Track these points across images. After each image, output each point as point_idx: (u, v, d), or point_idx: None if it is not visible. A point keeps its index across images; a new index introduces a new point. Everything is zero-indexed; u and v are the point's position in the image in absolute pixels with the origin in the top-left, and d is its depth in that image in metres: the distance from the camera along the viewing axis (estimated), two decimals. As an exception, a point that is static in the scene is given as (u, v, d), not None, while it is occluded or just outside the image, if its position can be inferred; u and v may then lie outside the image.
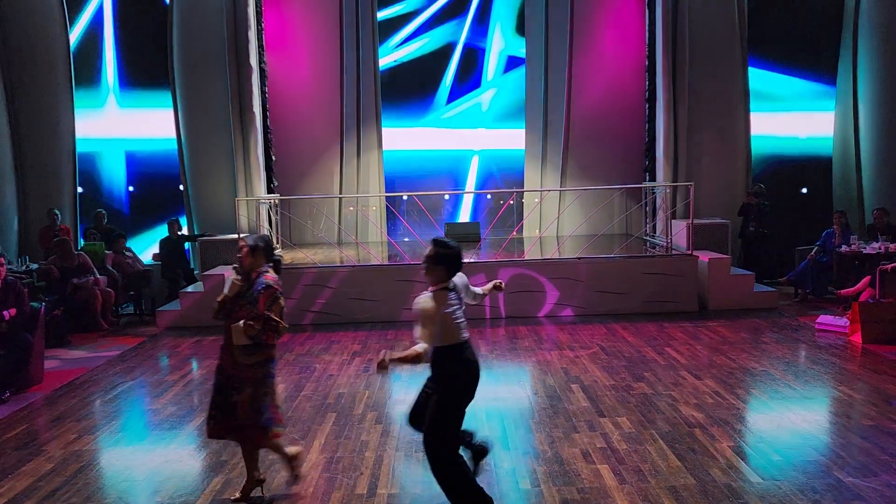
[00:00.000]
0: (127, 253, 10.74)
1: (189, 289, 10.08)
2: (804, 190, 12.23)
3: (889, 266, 8.40)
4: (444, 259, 3.92)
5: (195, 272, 11.03)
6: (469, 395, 3.96)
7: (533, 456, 4.86)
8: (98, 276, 9.73)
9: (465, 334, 3.94)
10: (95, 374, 7.42)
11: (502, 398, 6.15)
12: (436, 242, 3.97)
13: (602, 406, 5.83)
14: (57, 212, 10.97)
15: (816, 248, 10.20)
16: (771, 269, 11.11)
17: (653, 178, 12.14)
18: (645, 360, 7.23)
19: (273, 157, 12.10)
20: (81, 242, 11.04)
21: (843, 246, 9.71)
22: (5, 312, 6.73)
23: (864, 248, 9.47)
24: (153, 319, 9.89)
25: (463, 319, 3.92)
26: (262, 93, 11.90)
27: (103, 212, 11.47)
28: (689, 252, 9.72)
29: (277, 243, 11.45)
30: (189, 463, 4.96)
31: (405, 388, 6.51)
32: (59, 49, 11.46)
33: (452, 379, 3.91)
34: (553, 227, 12.60)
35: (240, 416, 4.20)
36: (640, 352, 7.55)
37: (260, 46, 11.83)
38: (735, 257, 11.07)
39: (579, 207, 11.97)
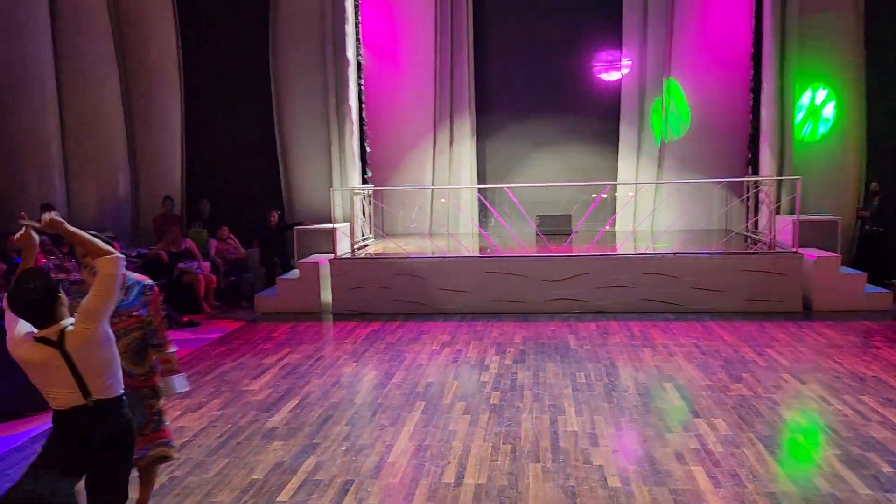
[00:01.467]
0: (228, 240, 11.22)
1: (285, 276, 10.43)
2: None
3: None
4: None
5: (291, 260, 11.40)
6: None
7: (623, 454, 4.76)
8: (202, 262, 10.23)
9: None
10: (199, 354, 7.80)
11: (592, 394, 6.04)
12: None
13: (697, 406, 5.64)
14: (171, 199, 11.59)
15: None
16: (889, 269, 10.39)
17: (756, 172, 11.60)
18: (744, 360, 6.93)
19: (367, 149, 12.34)
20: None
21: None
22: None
23: None
24: (252, 304, 10.30)
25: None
26: (358, 85, 12.15)
27: (207, 201, 12.03)
28: (794, 249, 9.24)
29: (370, 233, 11.70)
30: (283, 443, 5.13)
31: (494, 379, 6.51)
32: (169, 44, 12.08)
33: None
34: (648, 221, 12.26)
35: None
36: (739, 352, 7.24)
37: (357, 40, 12.07)
38: (847, 256, 10.43)
39: (676, 201, 11.60)
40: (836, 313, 8.84)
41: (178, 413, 5.82)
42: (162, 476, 4.58)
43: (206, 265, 10.37)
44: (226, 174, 12.47)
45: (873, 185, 10.64)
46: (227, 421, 5.61)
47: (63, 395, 3.01)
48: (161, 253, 10.10)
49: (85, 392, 3.01)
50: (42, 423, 5.67)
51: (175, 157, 12.29)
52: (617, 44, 12.67)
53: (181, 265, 10.00)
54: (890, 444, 4.81)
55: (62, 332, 2.97)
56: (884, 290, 9.31)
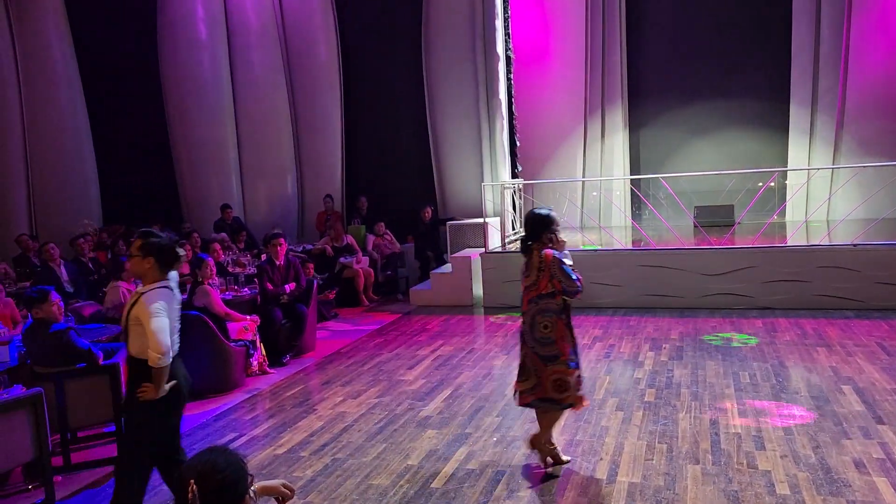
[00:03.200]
0: (385, 236, 11.68)
1: (439, 270, 10.68)
2: None
3: None
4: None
5: (444, 254, 11.67)
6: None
7: (793, 460, 4.43)
8: (361, 257, 10.73)
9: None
10: (358, 345, 8.19)
11: (758, 394, 5.67)
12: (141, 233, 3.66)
13: (881, 411, 5.12)
14: (331, 197, 12.27)
15: None
16: None
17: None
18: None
19: (517, 143, 12.35)
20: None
21: None
22: (286, 287, 7.69)
23: None
24: (407, 297, 10.65)
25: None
26: (508, 79, 12.18)
27: (365, 198, 12.59)
28: None
29: (521, 227, 11.70)
30: (436, 431, 5.27)
31: (648, 376, 6.29)
32: (331, 51, 12.77)
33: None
34: (822, 210, 11.29)
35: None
36: (932, 353, 6.49)
37: (506, 34, 12.11)
38: None
39: (856, 188, 10.59)
40: None
41: (340, 399, 6.15)
42: (326, 457, 4.86)
43: (365, 260, 10.86)
44: (382, 172, 13.00)
45: None
46: (385, 408, 5.85)
47: None
48: (326, 248, 10.72)
49: None
50: (224, 403, 6.22)
51: (336, 157, 13.00)
52: (786, 16, 11.74)
53: (342, 260, 10.55)
54: None
55: None
56: None
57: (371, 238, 11.49)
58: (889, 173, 10.05)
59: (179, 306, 3.86)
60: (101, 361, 5.12)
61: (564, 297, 4.31)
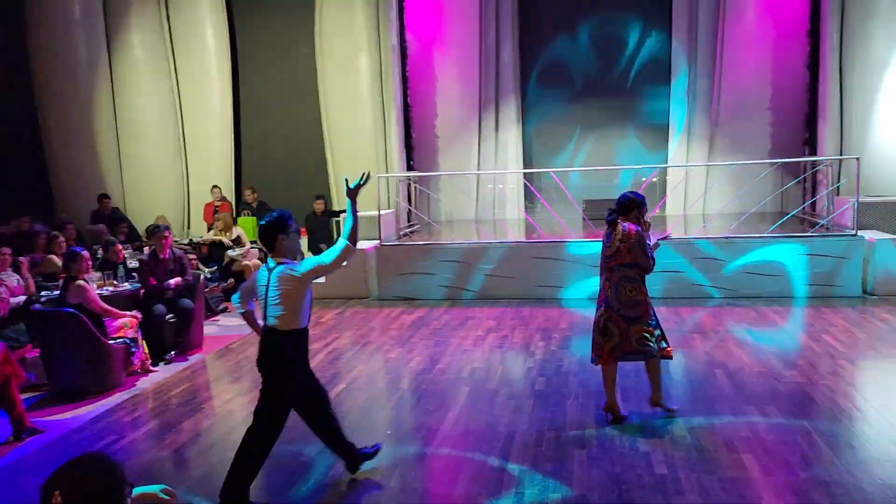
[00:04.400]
0: (278, 228, 11.40)
1: (333, 262, 10.53)
2: None
3: None
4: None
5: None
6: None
7: (670, 441, 4.68)
8: (250, 250, 10.42)
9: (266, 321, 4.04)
10: (249, 340, 7.95)
11: (639, 380, 5.95)
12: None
13: (748, 393, 5.50)
14: (219, 188, 11.83)
15: None
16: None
17: (813, 152, 11.20)
18: (799, 347, 6.73)
19: (412, 135, 12.36)
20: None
21: None
22: (171, 281, 7.36)
23: None
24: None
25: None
26: (402, 71, 12.15)
27: (254, 189, 12.21)
28: (854, 232, 8.91)
29: (415, 219, 11.72)
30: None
31: (539, 365, 6.47)
32: (219, 34, 12.29)
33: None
34: (699, 204, 11.98)
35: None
36: (794, 338, 7.03)
37: (401, 25, 12.06)
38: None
39: (728, 183, 11.30)
40: (898, 298, 8.51)
41: (229, 397, 5.95)
42: (214, 458, 4.69)
43: (255, 252, 10.56)
44: (274, 162, 12.66)
45: None
46: (276, 405, 5.71)
47: None
48: (215, 240, 10.34)
49: None
50: (103, 405, 5.87)
51: (225, 146, 12.55)
52: (667, 22, 12.35)
53: (230, 253, 10.21)
54: (954, 433, 4.61)
55: None
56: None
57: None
58: (758, 170, 10.77)
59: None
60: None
61: (641, 269, 4.88)
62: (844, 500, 3.80)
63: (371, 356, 7.05)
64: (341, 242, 4.04)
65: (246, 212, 11.73)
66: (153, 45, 11.95)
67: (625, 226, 4.88)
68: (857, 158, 9.20)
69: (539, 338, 7.49)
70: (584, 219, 10.87)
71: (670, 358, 5.09)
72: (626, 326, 4.88)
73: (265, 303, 4.00)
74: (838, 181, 10.23)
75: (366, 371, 6.56)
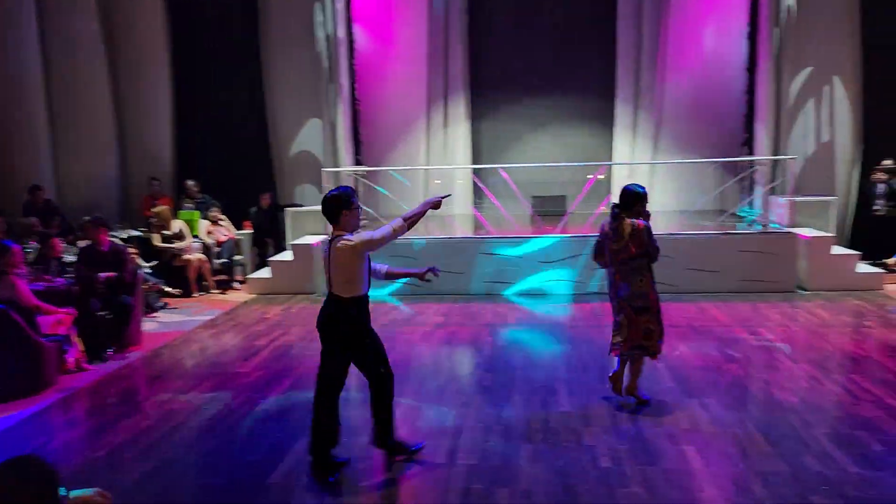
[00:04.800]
0: (220, 222, 11.14)
1: (278, 257, 10.37)
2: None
3: None
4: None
5: (284, 241, 11.34)
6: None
7: (615, 435, 4.75)
8: (192, 244, 10.16)
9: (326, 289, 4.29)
10: (190, 336, 7.76)
11: (586, 374, 6.04)
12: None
13: (689, 386, 5.63)
14: (157, 180, 11.48)
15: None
16: (881, 248, 10.33)
17: (751, 152, 11.55)
18: (737, 341, 6.92)
19: (360, 129, 12.24)
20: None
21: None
22: (102, 275, 7.10)
23: None
24: (244, 286, 10.25)
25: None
26: (350, 65, 12.01)
27: (197, 182, 11.88)
28: (788, 230, 9.22)
29: (363, 214, 11.60)
30: (276, 425, 5.11)
31: (486, 361, 6.50)
32: (156, 21, 11.91)
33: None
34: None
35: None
36: (733, 332, 7.24)
37: (348, 18, 11.92)
38: (842, 236, 10.41)
39: (671, 181, 11.55)
40: (829, 293, 8.84)
41: (169, 395, 5.79)
42: (153, 459, 4.56)
43: (197, 247, 10.30)
44: (217, 155, 12.32)
45: (888, 162, 10.38)
46: (219, 403, 5.59)
47: None
48: (152, 234, 10.03)
49: None
50: (35, 405, 5.63)
51: (164, 137, 12.16)
52: (612, 23, 12.53)
53: (172, 247, 9.93)
54: (879, 422, 4.81)
55: None
56: (876, 270, 9.31)
57: (204, 224, 10.91)
58: (700, 169, 11.05)
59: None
60: None
61: (649, 260, 5.08)
62: (781, 490, 3.92)
63: (318, 352, 6.94)
64: (397, 220, 4.22)
65: (188, 205, 11.41)
66: (89, 30, 11.50)
67: (633, 221, 5.06)
68: (794, 158, 9.51)
69: (487, 333, 7.52)
70: (532, 215, 10.96)
71: (657, 354, 5.26)
72: (634, 317, 5.08)
73: (328, 272, 4.24)
74: (773, 181, 10.57)
75: (313, 367, 6.44)
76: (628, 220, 5.06)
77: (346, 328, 4.28)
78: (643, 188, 5.23)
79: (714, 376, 5.86)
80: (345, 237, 4.13)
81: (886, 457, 4.29)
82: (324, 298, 4.35)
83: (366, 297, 4.32)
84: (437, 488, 4.06)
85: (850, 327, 7.38)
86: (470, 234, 10.11)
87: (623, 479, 4.10)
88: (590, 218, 10.21)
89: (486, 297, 9.18)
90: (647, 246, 5.03)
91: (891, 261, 9.83)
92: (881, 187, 10.27)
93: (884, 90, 10.91)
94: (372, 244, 4.12)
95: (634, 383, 5.27)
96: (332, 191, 4.26)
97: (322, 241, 4.33)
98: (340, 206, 4.15)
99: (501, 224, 10.54)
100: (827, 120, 10.92)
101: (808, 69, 10.85)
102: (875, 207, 10.31)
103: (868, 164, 10.74)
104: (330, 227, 4.26)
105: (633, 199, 5.13)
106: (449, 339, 7.32)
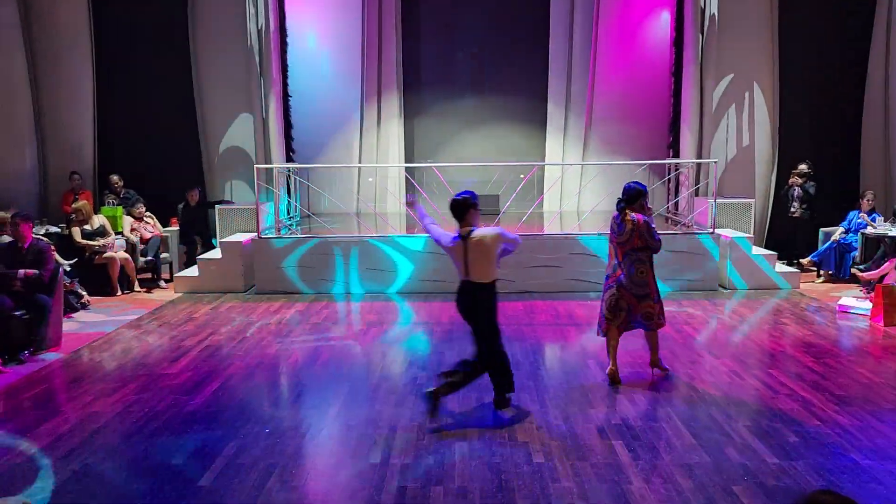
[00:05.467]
0: (146, 218, 10.78)
1: (207, 255, 10.11)
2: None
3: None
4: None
5: (213, 239, 11.07)
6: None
7: (547, 430, 4.84)
8: (115, 241, 9.79)
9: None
10: (113, 337, 7.48)
11: (518, 372, 6.11)
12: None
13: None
14: (78, 175, 11.01)
15: (842, 229, 10.03)
16: (797, 249, 10.87)
17: (677, 155, 11.94)
18: (663, 337, 7.12)
19: (292, 125, 12.04)
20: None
21: (869, 228, 9.53)
22: (21, 271, 6.77)
23: (891, 230, 9.28)
24: (171, 285, 9.95)
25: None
26: (282, 60, 11.79)
27: (120, 177, 11.46)
28: (712, 230, 9.58)
29: (295, 211, 11.46)
30: (204, 427, 4.98)
31: (421, 359, 6.51)
32: (79, 7, 11.40)
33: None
34: (574, 201, 12.46)
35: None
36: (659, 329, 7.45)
37: (281, 11, 11.71)
38: (761, 236, 10.89)
39: (601, 182, 11.82)
40: (749, 291, 9.24)
41: (91, 398, 5.57)
42: (74, 464, 4.38)
43: (121, 244, 9.93)
44: (143, 150, 11.90)
45: (803, 166, 10.89)
46: (144, 405, 5.41)
47: None
48: (72, 230, 9.60)
49: None
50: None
51: (86, 130, 11.65)
52: (545, 25, 12.73)
53: (93, 244, 9.54)
54: (795, 414, 5.06)
55: None
56: (793, 270, 9.78)
57: (129, 220, 10.53)
58: (628, 170, 11.34)
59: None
60: None
61: (650, 252, 5.64)
62: (704, 480, 4.08)
63: (249, 352, 6.82)
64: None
65: (111, 200, 10.99)
66: (5, 14, 10.92)
67: (633, 216, 5.57)
68: (716, 162, 9.89)
69: (421, 332, 7.54)
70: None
71: (662, 326, 5.87)
72: (635, 303, 5.66)
73: (465, 263, 4.98)
74: (697, 183, 10.97)
75: (243, 367, 6.34)
76: (630, 216, 5.57)
77: (491, 305, 5.05)
78: (644, 185, 5.79)
79: (640, 372, 6.04)
80: (474, 230, 4.94)
81: (801, 447, 4.51)
82: (459, 286, 5.10)
83: (496, 282, 5.09)
84: (370, 487, 4.04)
85: (768, 324, 7.73)
86: (402, 233, 10.09)
87: (555, 474, 4.18)
88: (523, 217, 10.35)
89: (420, 296, 9.19)
90: (647, 239, 5.55)
91: (805, 261, 10.34)
92: (797, 191, 10.79)
93: (796, 98, 11.49)
94: (501, 239, 4.98)
95: (655, 356, 5.90)
96: (459, 194, 5.05)
97: (443, 236, 5.20)
98: (469, 206, 5.00)
99: (436, 222, 10.54)
100: (747, 125, 11.41)
101: (730, 76, 11.30)
102: (791, 210, 10.83)
103: (784, 168, 11.28)
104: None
105: (636, 195, 5.65)
106: (383, 337, 7.30)
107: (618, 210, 5.70)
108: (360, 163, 12.54)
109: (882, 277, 8.52)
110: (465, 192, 5.08)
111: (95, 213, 10.02)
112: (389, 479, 4.14)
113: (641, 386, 5.70)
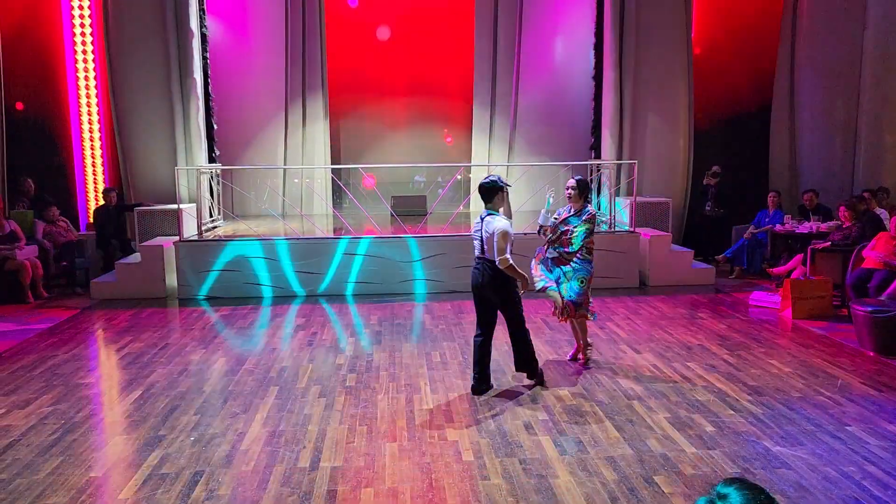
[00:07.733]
0: (59, 222, 10.32)
1: (126, 260, 9.77)
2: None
3: (819, 245, 8.73)
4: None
5: (132, 242, 10.69)
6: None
7: (476, 429, 4.91)
8: (25, 246, 9.34)
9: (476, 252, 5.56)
10: (25, 346, 7.14)
11: (447, 372, 6.18)
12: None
13: (544, 378, 5.91)
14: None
15: (752, 227, 10.55)
16: (710, 246, 11.38)
17: (598, 156, 12.28)
18: (587, 334, 7.32)
19: (215, 126, 11.76)
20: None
21: (778, 225, 10.04)
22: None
23: (797, 227, 9.81)
24: (88, 291, 9.56)
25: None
26: (203, 59, 11.50)
27: (30, 179, 10.94)
28: (632, 229, 9.90)
29: (219, 214, 11.19)
30: (125, 437, 4.83)
31: (349, 361, 6.48)
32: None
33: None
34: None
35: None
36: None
37: (201, 10, 11.42)
38: (678, 234, 11.32)
39: (526, 183, 12.02)
40: (668, 288, 9.60)
41: (2, 411, 5.31)
42: (-17, 482, 4.17)
43: (32, 249, 9.48)
44: (56, 150, 11.39)
45: (715, 168, 11.43)
46: (61, 417, 5.19)
47: None
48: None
49: None
50: None
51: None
52: (470, 27, 12.87)
53: (3, 249, 9.07)
54: (712, 405, 5.30)
55: None
56: (708, 266, 10.22)
57: (41, 225, 10.06)
58: (552, 171, 11.60)
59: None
60: None
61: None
62: (627, 472, 4.23)
63: (171, 359, 6.63)
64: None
65: (21, 203, 10.46)
66: None
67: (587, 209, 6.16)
68: (635, 163, 10.23)
69: (349, 334, 7.50)
70: (392, 214, 11.02)
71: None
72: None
73: (481, 240, 5.37)
74: (618, 183, 11.31)
75: (166, 374, 6.16)
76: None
77: (506, 278, 5.33)
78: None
79: (565, 368, 6.20)
80: (497, 214, 5.32)
81: (717, 437, 4.74)
82: (474, 263, 5.53)
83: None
84: (301, 492, 4.01)
85: (686, 318, 8.05)
86: (329, 234, 10.02)
87: (484, 471, 4.25)
88: (449, 218, 10.44)
89: (349, 298, 9.14)
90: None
91: (720, 258, 10.81)
92: (710, 190, 11.30)
93: (709, 100, 12.01)
94: (503, 238, 5.27)
95: (585, 339, 6.35)
96: (488, 177, 5.37)
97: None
98: (497, 190, 5.31)
99: (362, 224, 10.53)
100: (663, 127, 11.83)
101: (647, 80, 11.70)
102: (706, 209, 11.33)
103: (698, 168, 11.77)
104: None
105: (587, 190, 6.15)
106: (311, 340, 7.23)
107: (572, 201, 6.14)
108: (285, 164, 12.36)
109: (790, 272, 9.01)
110: (495, 176, 5.41)
111: (5, 218, 9.53)
112: (319, 484, 4.12)
113: (566, 382, 5.85)
